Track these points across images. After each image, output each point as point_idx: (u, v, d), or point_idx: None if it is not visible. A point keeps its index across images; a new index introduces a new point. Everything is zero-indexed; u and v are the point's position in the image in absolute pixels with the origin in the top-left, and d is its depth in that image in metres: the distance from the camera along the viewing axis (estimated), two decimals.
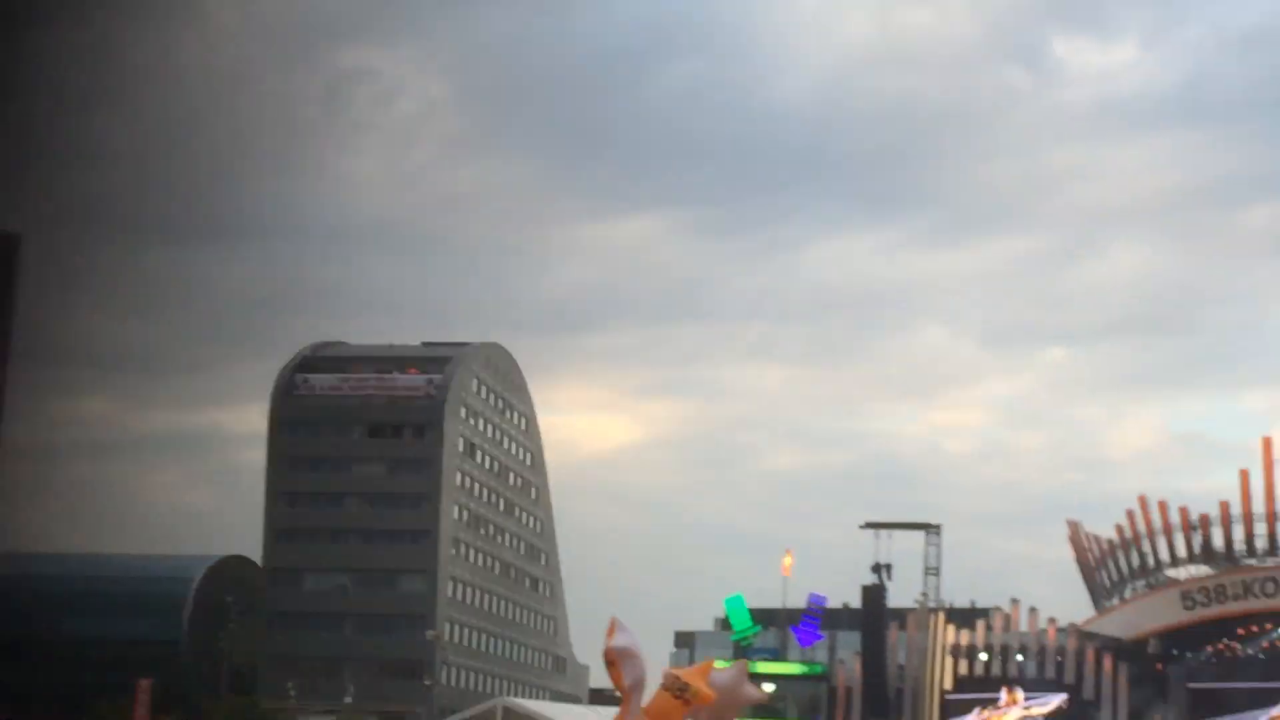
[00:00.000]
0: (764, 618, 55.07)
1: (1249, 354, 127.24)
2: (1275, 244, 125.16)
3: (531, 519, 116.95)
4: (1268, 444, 49.31)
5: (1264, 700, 48.77)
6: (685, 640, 64.75)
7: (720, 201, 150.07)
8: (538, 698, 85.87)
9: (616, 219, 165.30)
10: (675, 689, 1.63)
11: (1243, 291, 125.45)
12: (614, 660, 1.62)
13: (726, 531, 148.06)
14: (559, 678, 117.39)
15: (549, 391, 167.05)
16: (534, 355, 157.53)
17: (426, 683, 77.44)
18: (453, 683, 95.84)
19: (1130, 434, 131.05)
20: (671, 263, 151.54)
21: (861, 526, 54.13)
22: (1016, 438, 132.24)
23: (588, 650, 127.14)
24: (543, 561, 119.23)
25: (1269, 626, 48.95)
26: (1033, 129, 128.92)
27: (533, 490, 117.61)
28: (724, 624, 57.15)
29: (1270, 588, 48.05)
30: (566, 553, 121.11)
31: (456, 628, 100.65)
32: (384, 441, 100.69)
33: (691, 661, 60.55)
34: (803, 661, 53.31)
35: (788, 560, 56.60)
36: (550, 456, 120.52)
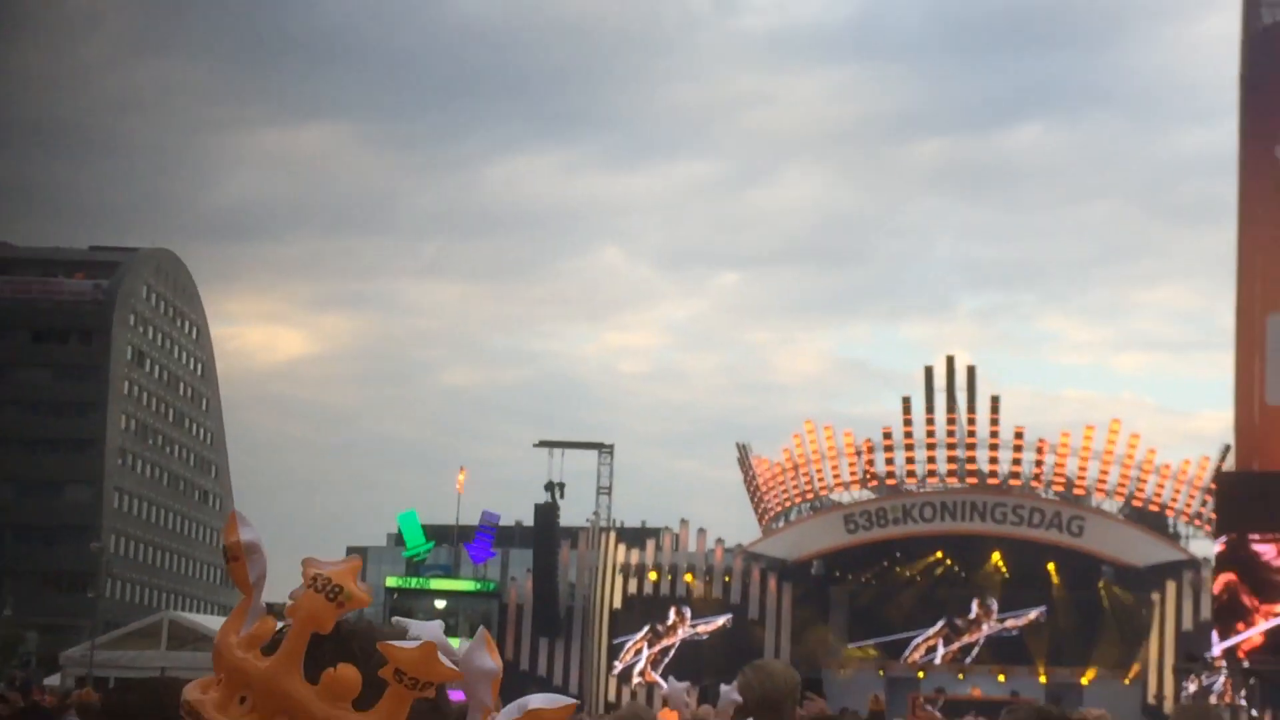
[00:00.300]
0: (437, 534, 55.16)
1: (913, 285, 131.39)
2: (941, 178, 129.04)
3: (202, 430, 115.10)
4: (928, 372, 50.98)
5: (919, 621, 50.70)
6: (358, 554, 64.50)
7: (400, 116, 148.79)
8: (206, 611, 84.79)
9: (294, 128, 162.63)
10: (328, 592, 1.58)
11: (909, 224, 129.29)
12: (239, 556, 1.57)
13: (401, 447, 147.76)
14: (227, 591, 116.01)
15: (222, 301, 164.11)
16: (207, 264, 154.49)
17: (90, 595, 75.82)
18: (118, 596, 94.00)
19: (799, 359, 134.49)
20: (349, 175, 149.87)
21: (535, 445, 54.52)
22: (690, 360, 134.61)
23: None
24: (213, 474, 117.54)
25: (926, 550, 50.73)
26: (712, 55, 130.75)
27: (204, 401, 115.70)
28: (397, 540, 57.11)
29: (929, 512, 49.79)
30: (238, 466, 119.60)
31: (123, 540, 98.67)
32: (48, 347, 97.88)
33: (364, 577, 60.38)
34: (475, 578, 53.57)
35: (461, 477, 56.74)
36: (223, 368, 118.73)
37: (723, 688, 4.41)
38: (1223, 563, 33.83)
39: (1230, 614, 32.88)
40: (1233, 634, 32.79)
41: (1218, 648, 33.20)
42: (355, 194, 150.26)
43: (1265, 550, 32.88)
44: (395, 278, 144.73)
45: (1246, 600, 32.93)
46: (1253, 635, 32.49)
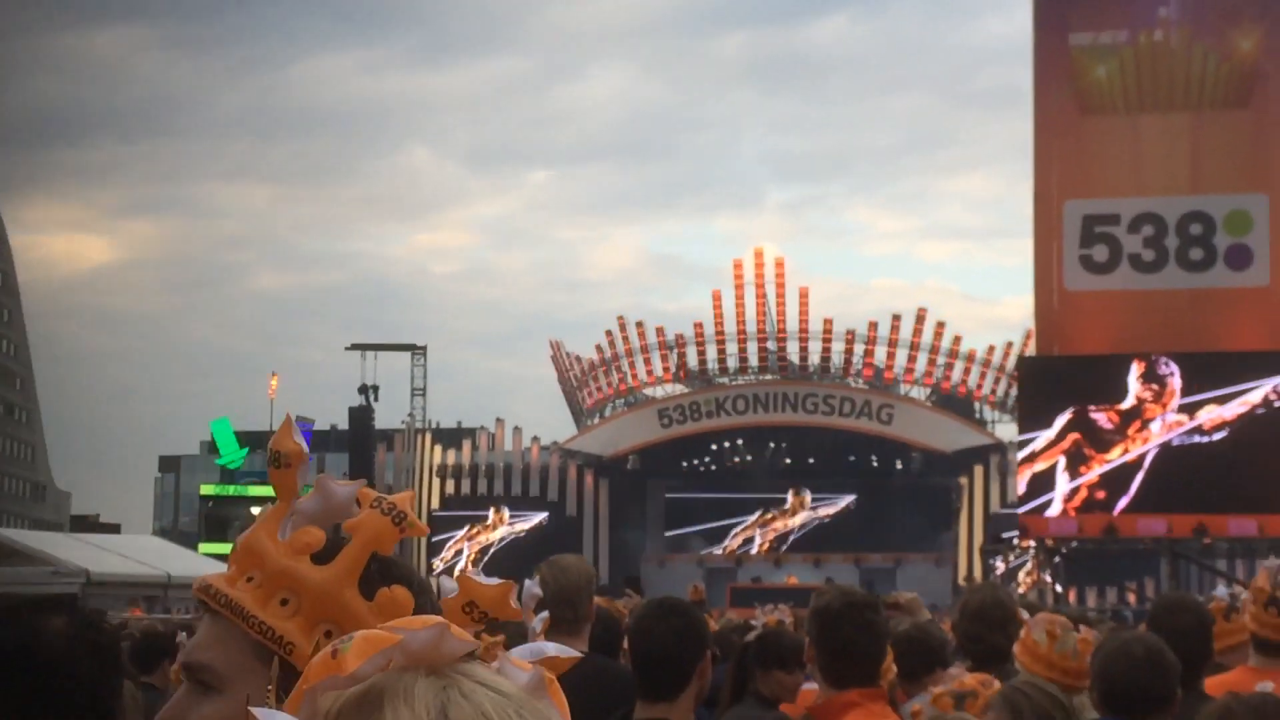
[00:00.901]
0: (251, 440, 54.72)
1: (722, 179, 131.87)
2: (748, 72, 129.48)
3: (5, 342, 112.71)
4: (738, 266, 51.37)
5: (735, 511, 51.42)
6: (170, 465, 63.77)
7: (199, 17, 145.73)
8: (17, 526, 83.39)
9: (90, 32, 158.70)
10: (394, 515, 1.57)
11: (717, 117, 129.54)
12: (291, 463, 1.52)
13: (212, 354, 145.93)
14: (39, 505, 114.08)
15: (21, 209, 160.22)
16: (4, 171, 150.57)
17: None
18: None
19: (611, 255, 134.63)
20: (149, 78, 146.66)
21: (347, 348, 54.11)
22: (502, 259, 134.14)
23: (68, 477, 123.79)
24: (18, 386, 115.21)
25: (739, 441, 51.38)
26: None
27: (5, 312, 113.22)
28: (211, 447, 56.54)
29: (741, 405, 50.37)
30: (44, 377, 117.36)
31: None
32: None
33: (177, 486, 59.75)
34: None
35: (274, 382, 56.30)
36: (24, 277, 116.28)
37: (526, 583, 4.49)
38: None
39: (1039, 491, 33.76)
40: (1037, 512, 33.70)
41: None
42: (156, 97, 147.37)
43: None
44: (200, 181, 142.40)
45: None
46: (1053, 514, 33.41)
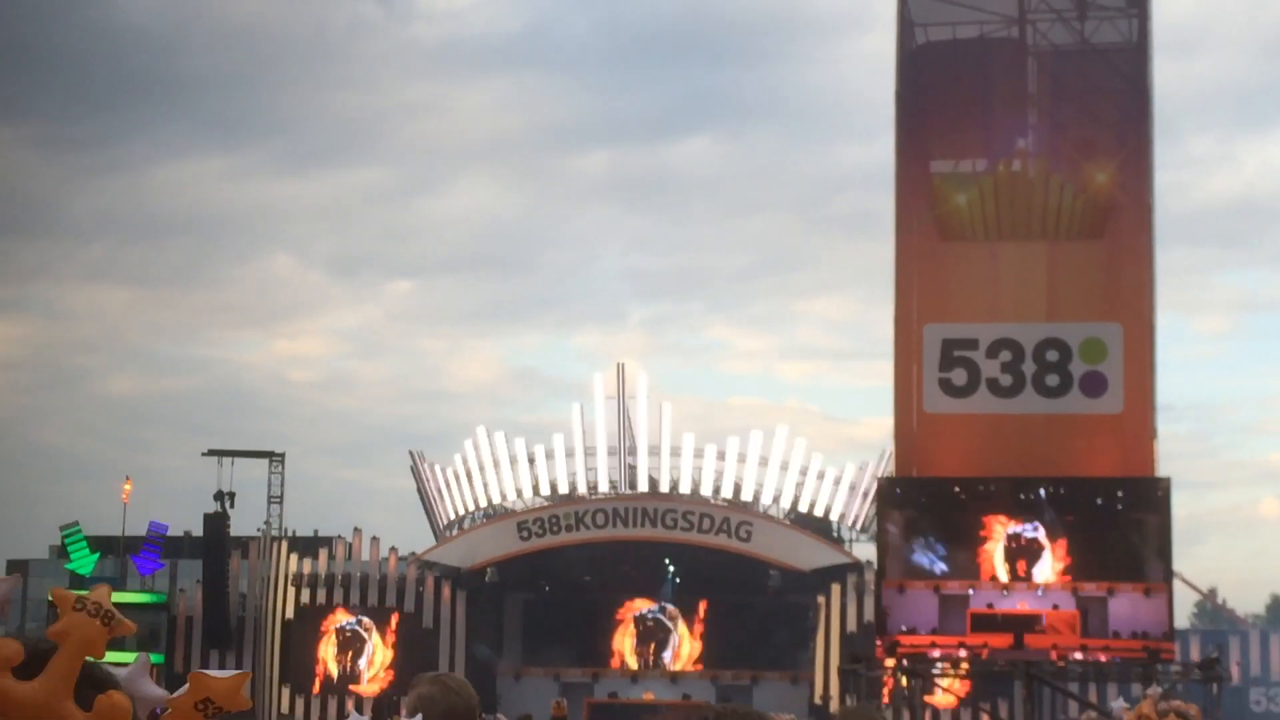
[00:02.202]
0: (102, 545, 53.78)
1: (580, 294, 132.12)
2: (607, 190, 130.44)
3: None
4: (599, 380, 51.56)
5: (590, 624, 51.21)
6: (19, 568, 62.57)
7: (63, 117, 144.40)
8: None
9: None
10: (102, 616, 1.55)
11: (577, 234, 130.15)
12: None
13: (63, 458, 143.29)
14: None
15: None
16: None
17: None
18: None
19: (470, 367, 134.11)
20: (7, 177, 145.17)
21: (204, 454, 53.52)
22: (361, 368, 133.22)
23: None
24: None
25: (598, 556, 51.23)
26: (381, 62, 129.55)
27: None
28: (60, 551, 55.48)
29: (601, 519, 50.30)
30: None
31: None
32: None
33: (25, 591, 58.45)
34: (143, 590, 52.40)
35: (127, 487, 55.50)
36: None
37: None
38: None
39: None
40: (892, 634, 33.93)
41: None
42: (14, 195, 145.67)
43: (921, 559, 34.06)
44: (56, 282, 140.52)
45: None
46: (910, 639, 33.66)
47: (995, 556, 33.77)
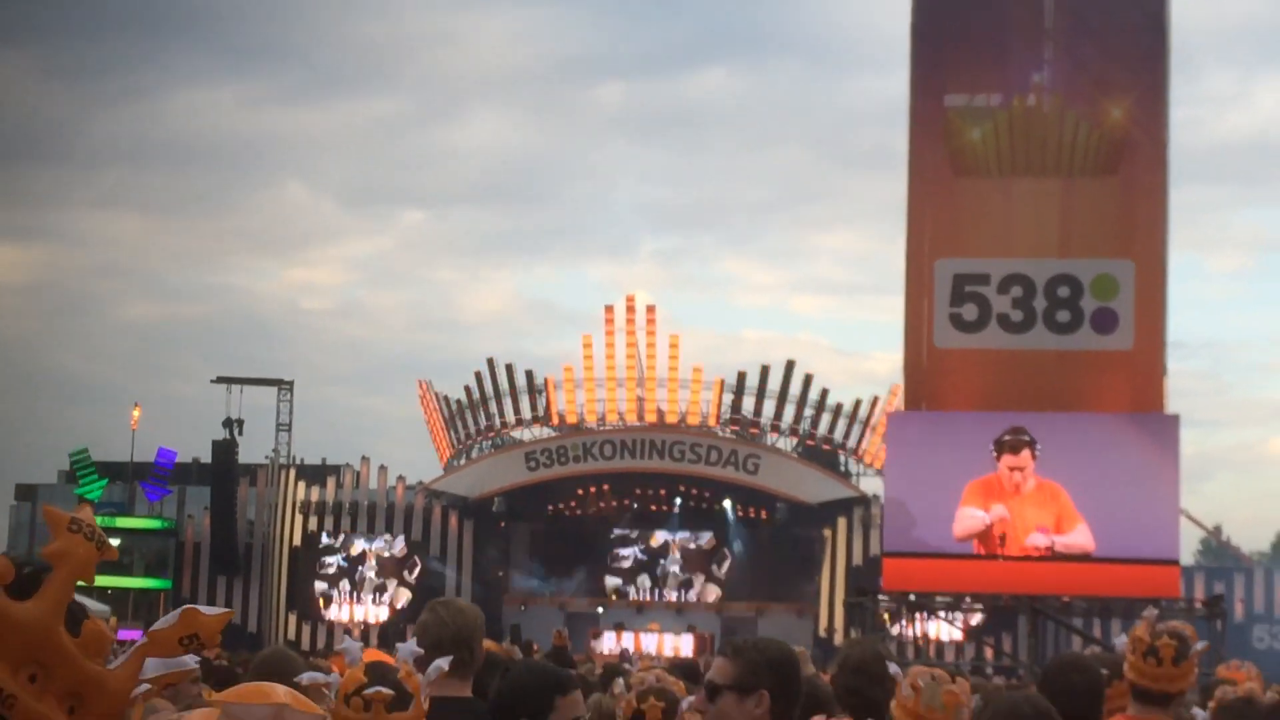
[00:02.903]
0: (111, 471, 53.92)
1: (596, 227, 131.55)
2: (623, 122, 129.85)
3: None
4: (609, 312, 51.48)
5: (596, 554, 51.38)
6: (26, 493, 62.61)
7: (77, 45, 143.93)
8: None
9: None
10: (98, 540, 1.51)
11: (593, 166, 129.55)
12: None
13: (74, 382, 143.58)
14: None
15: None
16: None
17: None
18: None
19: (483, 298, 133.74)
20: (22, 103, 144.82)
21: (213, 381, 53.61)
22: (373, 298, 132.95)
23: None
24: None
25: (605, 487, 51.34)
26: None
27: None
28: (69, 477, 55.62)
29: (608, 450, 50.34)
30: None
31: None
32: None
33: (34, 515, 58.63)
34: (150, 516, 52.57)
35: (136, 413, 55.54)
36: None
37: (399, 646, 4.46)
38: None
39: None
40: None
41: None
42: (28, 122, 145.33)
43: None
44: (71, 209, 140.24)
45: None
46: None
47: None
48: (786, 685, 5.03)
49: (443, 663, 4.22)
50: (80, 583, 1.74)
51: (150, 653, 1.73)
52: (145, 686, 1.26)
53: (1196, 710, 8.09)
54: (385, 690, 4.02)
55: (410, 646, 4.41)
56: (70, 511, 2.05)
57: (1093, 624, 38.90)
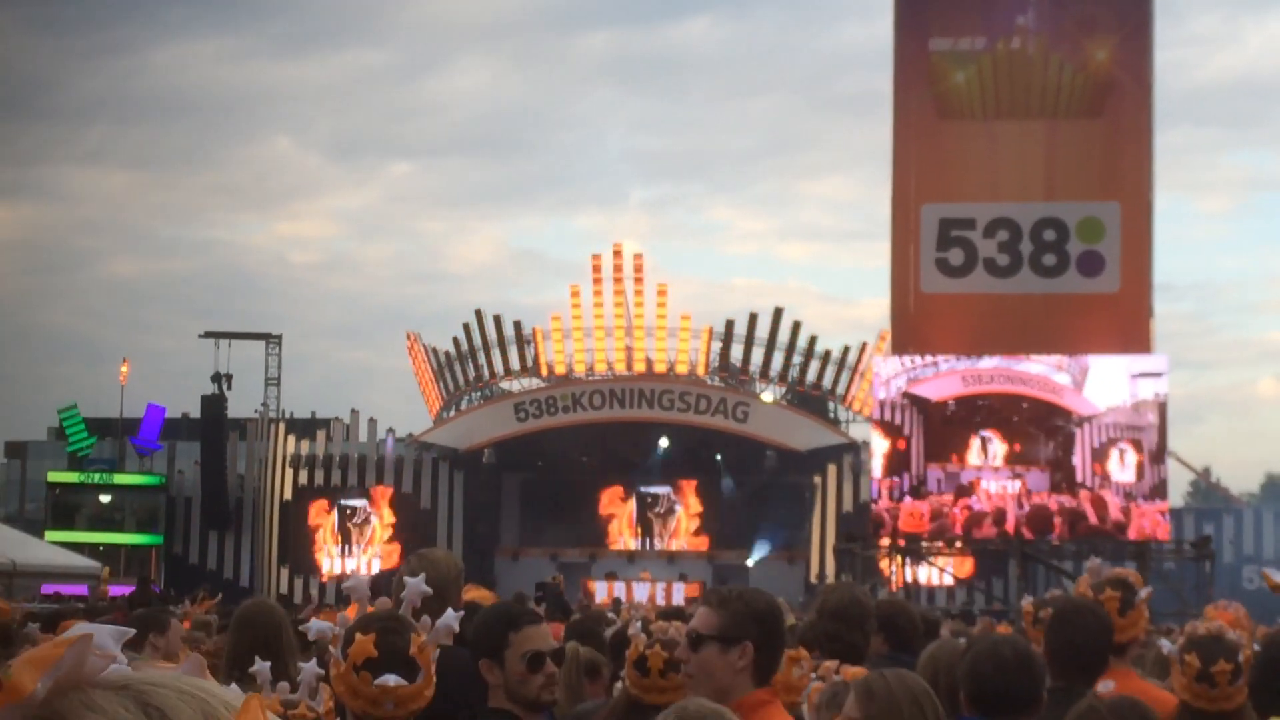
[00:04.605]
0: (100, 428, 53.91)
1: (584, 176, 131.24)
2: (611, 70, 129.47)
3: None
4: (597, 260, 51.40)
5: (591, 507, 51.49)
6: (17, 450, 62.64)
7: None
8: None
9: None
10: None
11: (578, 116, 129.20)
12: None
13: (63, 339, 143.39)
14: None
15: None
16: None
17: None
18: None
19: (470, 249, 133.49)
20: (3, 59, 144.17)
21: (201, 336, 53.57)
22: (361, 250, 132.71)
23: None
24: None
25: (595, 437, 51.32)
26: None
27: None
28: (58, 433, 55.62)
29: (597, 400, 50.36)
30: None
31: None
32: None
33: (24, 473, 58.64)
34: (141, 472, 52.58)
35: (125, 369, 55.52)
36: None
37: (409, 580, 4.52)
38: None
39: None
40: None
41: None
42: (11, 77, 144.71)
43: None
44: (56, 165, 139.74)
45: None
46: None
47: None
48: (771, 638, 5.04)
49: (452, 620, 4.31)
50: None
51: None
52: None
53: (1164, 641, 8.16)
54: (401, 683, 4.12)
55: (418, 584, 4.48)
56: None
57: (1082, 567, 39.04)
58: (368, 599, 4.41)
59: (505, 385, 52.71)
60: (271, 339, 55.29)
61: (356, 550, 50.71)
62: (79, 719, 1.22)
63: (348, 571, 50.02)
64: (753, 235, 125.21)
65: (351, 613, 4.39)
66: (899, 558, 37.60)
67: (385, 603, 4.42)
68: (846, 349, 51.64)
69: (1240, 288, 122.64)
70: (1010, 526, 34.23)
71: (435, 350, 53.74)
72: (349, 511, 50.99)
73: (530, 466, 52.45)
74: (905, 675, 4.86)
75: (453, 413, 53.18)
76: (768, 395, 51.10)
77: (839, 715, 4.87)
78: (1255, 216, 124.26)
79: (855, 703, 4.75)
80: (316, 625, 4.41)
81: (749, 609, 5.05)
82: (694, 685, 5.04)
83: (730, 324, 51.22)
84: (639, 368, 51.16)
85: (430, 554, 6.12)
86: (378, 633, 4.21)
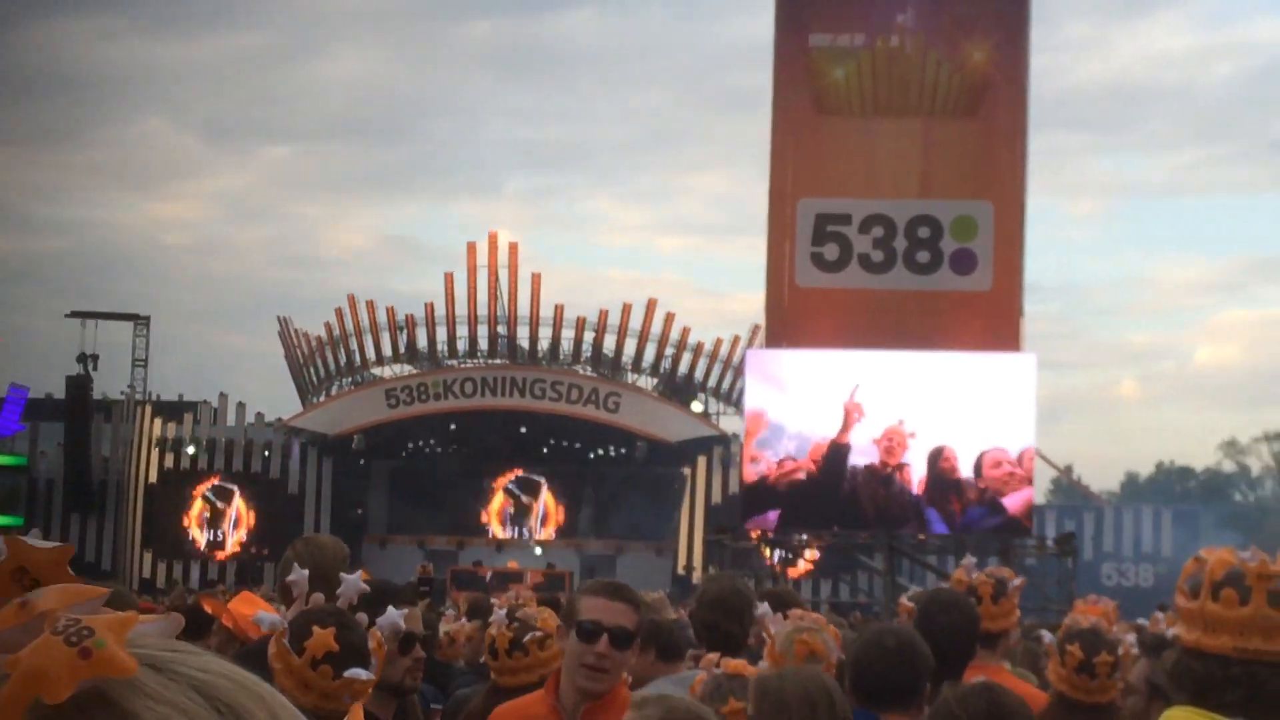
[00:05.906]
0: None
1: (460, 164, 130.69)
2: (490, 60, 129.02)
3: None
4: (472, 249, 51.21)
5: (456, 492, 51.30)
6: None
7: None
8: None
9: None
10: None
11: (457, 104, 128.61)
12: None
13: None
14: None
15: None
16: None
17: None
18: None
19: (347, 235, 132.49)
20: None
21: (67, 315, 52.80)
22: (235, 233, 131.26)
23: None
24: None
25: (465, 425, 51.19)
26: None
27: None
28: None
29: (468, 388, 50.20)
30: None
31: None
32: None
33: None
34: (2, 452, 51.69)
35: None
36: None
37: (345, 578, 4.51)
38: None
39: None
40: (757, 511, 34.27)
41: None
42: None
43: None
44: None
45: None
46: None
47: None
48: (670, 637, 5.10)
49: (396, 617, 4.35)
50: None
51: None
52: None
53: (1044, 632, 8.28)
54: (371, 677, 4.18)
55: (356, 580, 4.50)
56: None
57: (947, 560, 39.43)
58: (307, 594, 4.38)
59: (376, 371, 52.43)
60: (140, 320, 54.58)
61: (222, 535, 50.19)
62: (131, 704, 1.09)
63: (215, 556, 49.52)
64: (630, 227, 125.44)
65: (248, 607, 4.31)
66: (767, 549, 37.75)
67: (319, 598, 4.37)
68: (719, 341, 51.87)
69: (1106, 291, 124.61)
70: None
71: (306, 335, 53.32)
72: (215, 495, 50.46)
73: (399, 453, 52.19)
74: (805, 674, 4.76)
75: (323, 398, 52.79)
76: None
77: (726, 708, 4.84)
78: (1123, 221, 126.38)
79: (749, 699, 4.73)
80: (268, 618, 4.39)
81: (648, 609, 5.11)
82: (598, 680, 5.02)
83: (604, 314, 51.26)
84: (512, 357, 51.05)
85: (316, 539, 6.08)
86: (336, 627, 4.20)
